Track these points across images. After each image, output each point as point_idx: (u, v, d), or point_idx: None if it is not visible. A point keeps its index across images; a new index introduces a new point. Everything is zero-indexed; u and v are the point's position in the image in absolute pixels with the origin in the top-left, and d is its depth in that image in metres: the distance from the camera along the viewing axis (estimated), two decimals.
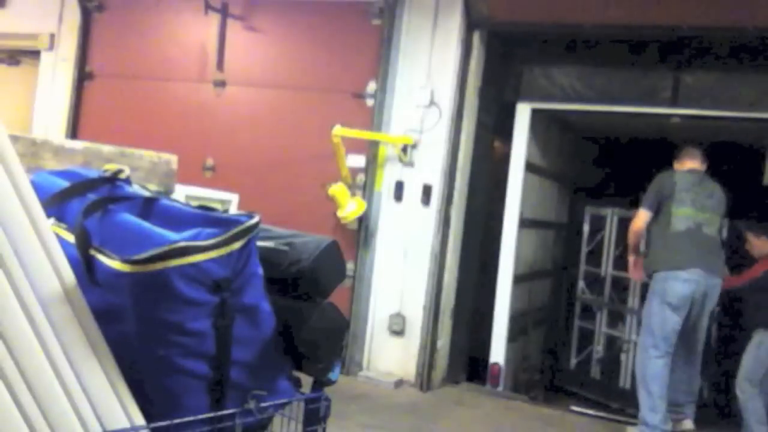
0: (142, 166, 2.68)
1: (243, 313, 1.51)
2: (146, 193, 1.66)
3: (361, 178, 5.42)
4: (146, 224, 1.48)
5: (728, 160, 7.56)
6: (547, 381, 6.79)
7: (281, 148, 5.72)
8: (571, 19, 5.14)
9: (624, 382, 6.27)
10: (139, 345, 1.45)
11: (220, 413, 1.48)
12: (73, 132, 6.32)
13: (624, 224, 6.60)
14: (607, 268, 6.82)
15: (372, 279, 5.40)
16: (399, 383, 5.21)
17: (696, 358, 4.70)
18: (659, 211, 4.59)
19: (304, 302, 1.67)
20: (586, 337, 6.99)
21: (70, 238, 1.48)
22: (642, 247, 4.92)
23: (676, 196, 4.53)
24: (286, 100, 5.76)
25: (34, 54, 6.67)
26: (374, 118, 5.37)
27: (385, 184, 5.41)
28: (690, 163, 4.72)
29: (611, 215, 6.86)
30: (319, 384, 1.72)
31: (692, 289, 4.43)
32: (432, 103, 5.29)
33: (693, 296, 4.44)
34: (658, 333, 4.48)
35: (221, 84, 5.94)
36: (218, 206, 1.86)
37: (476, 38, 5.38)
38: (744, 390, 4.59)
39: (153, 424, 1.41)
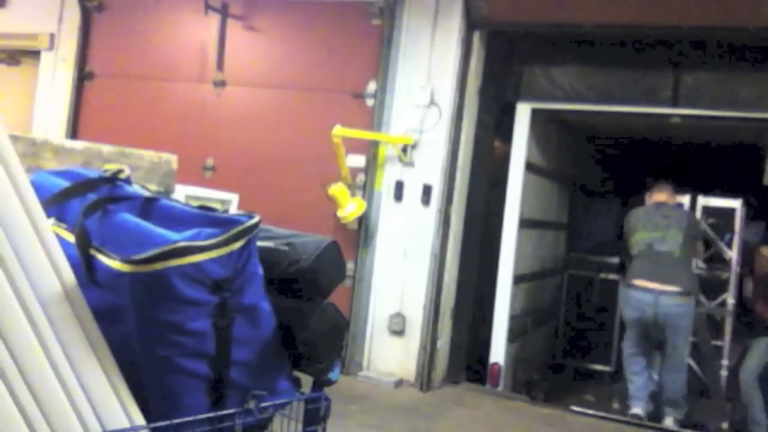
0: (142, 166, 2.68)
1: (243, 313, 1.51)
2: (146, 193, 1.65)
3: (361, 178, 5.42)
4: (146, 224, 1.48)
5: (728, 160, 7.58)
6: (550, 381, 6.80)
7: (281, 148, 5.72)
8: (571, 19, 5.14)
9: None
10: (139, 345, 1.44)
11: (220, 413, 1.48)
12: (73, 132, 6.32)
13: None
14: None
15: (372, 279, 5.40)
16: (399, 383, 5.21)
17: (675, 369, 5.12)
18: (627, 242, 5.33)
19: (304, 302, 1.67)
20: None
21: (70, 238, 1.48)
22: None
23: (633, 226, 5.24)
24: (286, 100, 5.76)
25: (34, 54, 6.67)
26: (374, 118, 5.37)
27: (385, 184, 5.41)
28: (657, 196, 5.29)
29: None
30: (319, 384, 1.71)
31: (639, 315, 5.05)
32: (432, 103, 5.29)
33: (642, 319, 5.04)
34: (627, 339, 5.26)
35: (221, 84, 5.94)
36: (218, 206, 1.86)
37: (476, 38, 5.38)
38: (750, 385, 5.18)
39: (153, 424, 1.41)
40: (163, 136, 5.67)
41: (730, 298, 5.65)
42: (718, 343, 5.68)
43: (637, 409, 5.08)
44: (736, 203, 5.74)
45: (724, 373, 5.63)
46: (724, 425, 5.34)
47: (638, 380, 5.16)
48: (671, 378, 5.12)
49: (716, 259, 5.84)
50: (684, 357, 5.18)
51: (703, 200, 5.80)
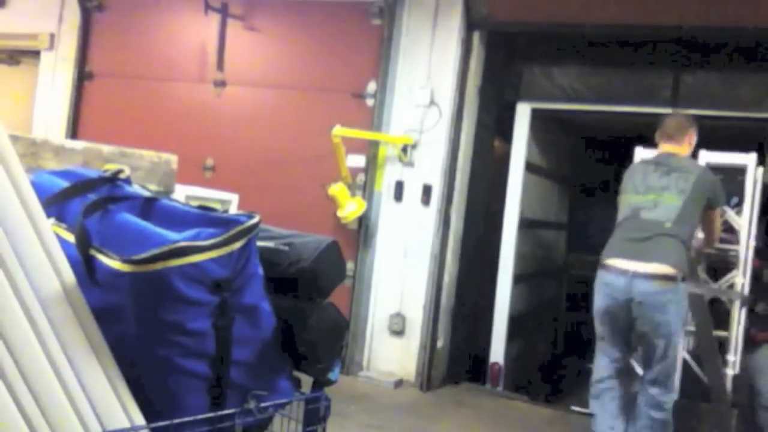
0: (142, 166, 2.68)
1: (243, 313, 1.51)
2: (146, 193, 1.66)
3: (361, 178, 5.42)
4: (146, 224, 1.48)
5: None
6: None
7: (281, 148, 5.72)
8: (571, 19, 5.14)
9: None
10: (139, 345, 1.45)
11: (220, 413, 1.48)
12: (73, 132, 6.32)
13: None
14: None
15: (372, 279, 5.40)
16: (399, 383, 5.21)
17: (657, 380, 3.71)
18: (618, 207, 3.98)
19: (304, 302, 1.67)
20: None
21: (70, 238, 1.48)
22: None
23: (623, 187, 3.92)
24: (286, 100, 5.76)
25: (34, 54, 6.66)
26: (374, 118, 5.37)
27: (385, 184, 5.41)
28: (664, 146, 3.93)
29: None
30: (319, 384, 1.72)
31: (609, 303, 3.72)
32: (432, 103, 5.29)
33: (612, 308, 3.71)
34: (597, 350, 3.93)
35: (221, 84, 5.94)
36: (218, 206, 1.86)
37: (476, 38, 5.38)
38: None
39: (153, 424, 1.41)
40: (163, 136, 5.67)
41: (738, 278, 4.35)
42: (722, 333, 4.39)
43: None
44: (749, 159, 4.41)
45: (729, 372, 4.35)
46: None
47: (603, 419, 3.83)
48: (646, 393, 3.72)
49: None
50: (673, 369, 3.77)
51: (706, 156, 4.43)
